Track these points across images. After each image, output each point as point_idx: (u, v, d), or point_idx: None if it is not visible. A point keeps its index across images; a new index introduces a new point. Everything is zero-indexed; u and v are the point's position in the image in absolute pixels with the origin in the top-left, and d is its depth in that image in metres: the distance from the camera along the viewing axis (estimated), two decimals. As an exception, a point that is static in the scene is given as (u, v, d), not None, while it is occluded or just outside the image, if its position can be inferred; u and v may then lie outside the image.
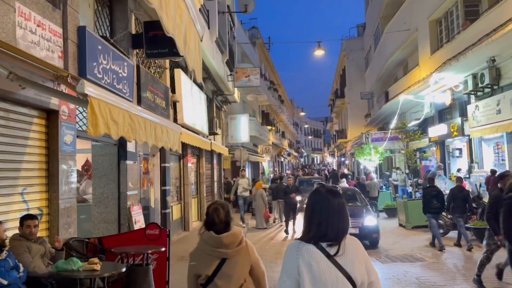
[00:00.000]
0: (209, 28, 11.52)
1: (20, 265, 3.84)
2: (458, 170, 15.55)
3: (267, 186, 17.57)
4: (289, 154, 58.20)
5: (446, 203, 10.04)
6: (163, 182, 10.03)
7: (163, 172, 10.14)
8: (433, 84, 15.24)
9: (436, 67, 14.97)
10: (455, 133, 15.95)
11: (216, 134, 14.82)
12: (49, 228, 5.23)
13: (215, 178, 16.74)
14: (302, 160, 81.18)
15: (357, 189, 14.50)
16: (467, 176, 15.13)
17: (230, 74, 15.47)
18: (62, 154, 5.23)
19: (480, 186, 12.93)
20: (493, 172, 13.00)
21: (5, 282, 3.59)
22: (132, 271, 5.22)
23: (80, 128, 6.17)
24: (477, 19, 12.65)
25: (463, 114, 15.37)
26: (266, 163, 36.94)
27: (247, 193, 14.91)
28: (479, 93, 14.19)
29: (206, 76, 13.75)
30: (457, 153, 17.63)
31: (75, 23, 5.63)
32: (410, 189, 20.38)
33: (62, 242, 4.78)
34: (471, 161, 15.25)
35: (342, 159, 49.19)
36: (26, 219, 4.22)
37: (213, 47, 12.09)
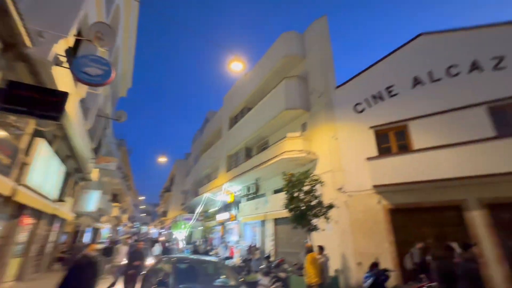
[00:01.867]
0: (85, 119, 8.94)
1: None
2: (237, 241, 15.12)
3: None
4: (125, 225, 48.67)
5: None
6: None
7: None
8: (225, 189, 15.44)
9: (228, 179, 15.43)
10: (232, 218, 15.96)
11: (64, 201, 10.47)
12: None
13: (50, 239, 11.33)
14: (134, 229, 68.76)
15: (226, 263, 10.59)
16: (237, 245, 14.80)
17: (93, 159, 12.03)
18: None
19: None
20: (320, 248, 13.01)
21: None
22: None
23: None
24: (250, 158, 14.04)
25: (237, 208, 15.71)
26: (106, 229, 29.12)
27: None
28: (247, 197, 14.96)
29: (70, 155, 10.25)
30: (231, 231, 17.54)
31: None
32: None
33: None
34: (240, 236, 15.13)
35: (162, 231, 43.42)
36: None
37: (84, 134, 9.26)
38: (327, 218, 6.60)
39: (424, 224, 7.34)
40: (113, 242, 16.03)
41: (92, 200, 14.67)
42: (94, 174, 14.08)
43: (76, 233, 15.28)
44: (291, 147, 10.33)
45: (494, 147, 6.58)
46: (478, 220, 6.56)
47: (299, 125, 11.72)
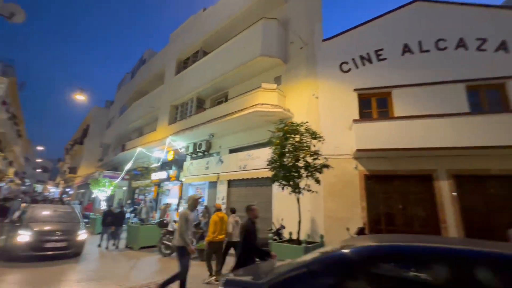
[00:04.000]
0: None
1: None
2: (166, 204, 13.23)
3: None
4: (11, 181, 38.57)
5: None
6: None
7: None
8: (166, 144, 12.98)
9: (172, 133, 12.96)
10: (173, 178, 13.86)
11: None
12: None
13: None
14: (24, 187, 56.02)
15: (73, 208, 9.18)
16: (177, 208, 13.03)
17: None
18: None
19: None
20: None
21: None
22: None
23: None
24: (205, 110, 11.91)
25: (181, 167, 13.65)
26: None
27: None
28: (194, 155, 13.02)
29: None
30: (167, 192, 15.46)
31: None
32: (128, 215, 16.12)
33: None
34: (181, 198, 13.31)
35: (68, 189, 36.34)
36: None
37: None
38: (317, 181, 5.73)
39: (396, 192, 7.45)
40: (5, 199, 11.99)
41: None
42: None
43: None
44: (265, 100, 8.89)
45: (466, 123, 6.85)
46: (445, 189, 6.94)
47: (271, 78, 10.25)
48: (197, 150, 12.34)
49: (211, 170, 11.43)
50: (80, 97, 13.08)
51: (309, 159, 5.69)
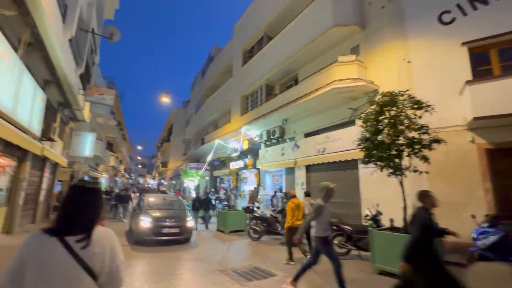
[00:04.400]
0: (64, 22, 6.20)
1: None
2: (254, 188, 13.85)
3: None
4: (122, 175, 48.15)
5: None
6: None
7: None
8: (243, 134, 13.45)
9: (245, 123, 13.35)
10: (250, 166, 14.39)
11: (53, 140, 8.21)
12: None
13: (44, 187, 9.45)
14: (131, 180, 69.17)
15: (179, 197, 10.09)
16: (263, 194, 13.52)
17: (82, 89, 9.49)
18: None
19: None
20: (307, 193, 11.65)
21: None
22: None
23: None
24: (276, 96, 11.73)
25: (256, 155, 14.01)
26: (104, 180, 27.88)
27: None
28: (267, 143, 13.14)
29: (52, 80, 7.68)
30: (245, 180, 16.24)
31: None
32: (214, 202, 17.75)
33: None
34: (259, 185, 13.75)
35: (162, 181, 42.84)
36: None
37: (66, 45, 6.59)
38: (425, 159, 4.75)
39: (538, 168, 5.66)
40: (126, 190, 14.78)
41: (87, 144, 12.53)
42: (86, 113, 11.65)
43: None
44: (343, 74, 8.02)
45: None
46: None
47: (346, 50, 9.19)
48: (271, 137, 12.35)
49: (287, 156, 11.28)
50: (166, 100, 14.79)
51: (414, 134, 4.75)
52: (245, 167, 14.85)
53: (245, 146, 14.82)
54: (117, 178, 42.69)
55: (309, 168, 10.45)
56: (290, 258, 5.54)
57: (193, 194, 15.32)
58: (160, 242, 6.86)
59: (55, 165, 10.90)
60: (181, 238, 7.17)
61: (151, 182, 60.18)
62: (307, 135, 10.69)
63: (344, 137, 8.65)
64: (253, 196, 12.13)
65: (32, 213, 8.82)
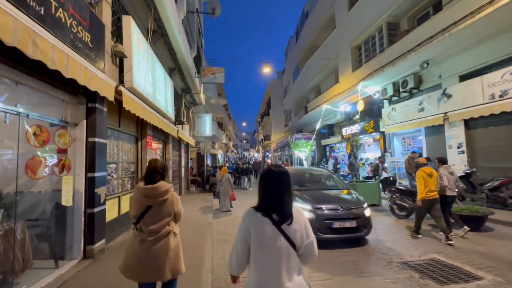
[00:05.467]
0: (176, 2, 6.19)
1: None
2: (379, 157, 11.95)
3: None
4: (232, 151, 54.41)
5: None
6: (91, 166, 3.64)
7: (92, 150, 3.65)
8: (360, 91, 11.36)
9: (361, 79, 11.15)
10: (370, 130, 12.28)
11: (184, 123, 9.14)
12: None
13: (183, 164, 11.01)
14: (238, 155, 77.79)
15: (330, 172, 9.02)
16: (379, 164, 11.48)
17: (197, 72, 9.99)
18: None
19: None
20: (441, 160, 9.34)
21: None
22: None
23: None
24: (407, 33, 8.91)
25: (377, 116, 11.73)
26: (220, 155, 31.96)
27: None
28: (394, 99, 10.60)
29: (174, 67, 8.26)
30: (361, 146, 14.18)
31: None
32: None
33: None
34: (385, 151, 11.60)
35: (267, 153, 45.42)
36: None
37: (181, 28, 6.67)
38: None
39: None
40: (248, 163, 16.29)
41: (207, 125, 13.86)
42: (202, 96, 12.65)
43: (201, 158, 15.50)
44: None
45: None
46: None
47: None
48: (400, 90, 9.79)
49: (428, 111, 8.62)
50: (267, 70, 14.31)
51: None
52: (362, 131, 12.82)
53: (361, 107, 12.66)
54: (228, 154, 48.40)
55: (470, 123, 7.58)
56: (417, 231, 4.98)
57: (305, 165, 14.75)
58: (329, 242, 4.46)
59: (187, 145, 12.55)
60: (360, 235, 4.56)
61: (256, 155, 65.22)
62: (464, 77, 7.66)
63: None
64: (378, 165, 10.25)
65: (178, 187, 10.47)
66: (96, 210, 3.64)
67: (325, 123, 17.33)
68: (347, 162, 15.38)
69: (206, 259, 3.74)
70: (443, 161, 5.46)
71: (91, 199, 3.61)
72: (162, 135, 7.77)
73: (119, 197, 4.90)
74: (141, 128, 6.07)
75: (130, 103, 4.08)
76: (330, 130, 18.40)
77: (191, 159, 15.49)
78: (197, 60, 10.20)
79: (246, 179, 13.79)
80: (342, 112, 15.26)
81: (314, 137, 19.04)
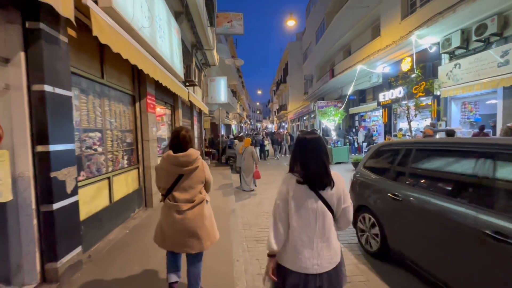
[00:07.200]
0: None
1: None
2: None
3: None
4: (245, 122, 52.90)
5: None
6: (42, 134, 2.08)
7: (41, 106, 2.06)
8: (414, 42, 9.11)
9: (416, 27, 8.85)
10: (419, 93, 10.19)
11: (195, 85, 7.43)
12: None
13: (196, 135, 9.60)
14: (251, 126, 76.39)
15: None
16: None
17: (210, 22, 8.05)
18: None
19: None
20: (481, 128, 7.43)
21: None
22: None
23: None
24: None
25: (431, 75, 9.57)
26: (233, 126, 30.51)
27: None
28: (459, 51, 8.37)
29: (181, 10, 6.40)
30: (401, 114, 12.14)
31: None
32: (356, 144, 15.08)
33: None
34: (438, 119, 9.62)
35: (283, 124, 43.50)
36: None
37: None
38: None
39: None
40: (272, 133, 15.46)
41: (222, 90, 12.13)
42: (215, 54, 10.75)
43: (215, 128, 14.06)
44: None
45: None
46: None
47: None
48: (473, 39, 7.53)
49: (510, 66, 6.49)
50: (291, 23, 12.00)
51: None
52: (405, 97, 10.73)
53: (407, 66, 10.47)
54: (241, 124, 46.88)
55: None
56: None
57: (334, 136, 13.01)
58: None
59: (200, 113, 11.03)
60: None
61: (270, 126, 63.50)
62: None
63: None
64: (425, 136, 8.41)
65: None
66: (57, 206, 2.25)
67: (355, 88, 15.14)
68: (381, 133, 13.55)
69: (237, 279, 2.37)
70: (450, 133, 3.97)
71: (47, 188, 2.20)
72: (169, 98, 6.21)
73: (109, 178, 3.53)
74: (139, 85, 4.51)
75: (109, 34, 2.47)
76: (361, 96, 16.23)
77: (204, 129, 14.11)
78: (210, 6, 8.20)
79: (278, 149, 14.47)
80: (379, 74, 13.05)
81: (339, 105, 17.00)
